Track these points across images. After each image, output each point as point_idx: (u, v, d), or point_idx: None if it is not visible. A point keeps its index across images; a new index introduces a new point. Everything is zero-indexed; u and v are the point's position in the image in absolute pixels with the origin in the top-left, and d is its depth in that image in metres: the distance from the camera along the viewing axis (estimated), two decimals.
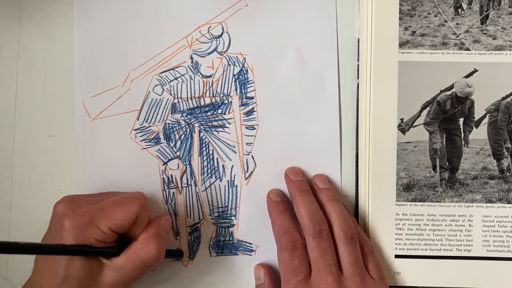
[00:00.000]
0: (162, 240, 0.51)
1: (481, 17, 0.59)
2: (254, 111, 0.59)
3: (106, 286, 0.48)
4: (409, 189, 0.58)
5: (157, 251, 0.49)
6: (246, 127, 0.59)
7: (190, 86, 0.59)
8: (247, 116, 0.59)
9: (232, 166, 0.59)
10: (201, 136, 0.59)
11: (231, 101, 0.59)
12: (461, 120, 0.59)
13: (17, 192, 0.59)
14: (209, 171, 0.59)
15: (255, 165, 0.59)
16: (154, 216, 0.53)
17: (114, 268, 0.48)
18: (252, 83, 0.59)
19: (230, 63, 0.60)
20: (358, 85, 0.59)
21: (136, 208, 0.49)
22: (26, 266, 0.54)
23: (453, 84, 0.58)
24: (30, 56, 0.60)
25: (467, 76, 0.58)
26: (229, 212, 0.59)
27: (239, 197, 0.59)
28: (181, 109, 0.59)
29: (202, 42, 0.60)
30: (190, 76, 0.59)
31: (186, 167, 0.59)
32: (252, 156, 0.59)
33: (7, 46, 0.60)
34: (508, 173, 0.58)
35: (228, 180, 0.59)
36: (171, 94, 0.59)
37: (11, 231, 0.58)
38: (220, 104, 0.59)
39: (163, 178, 0.59)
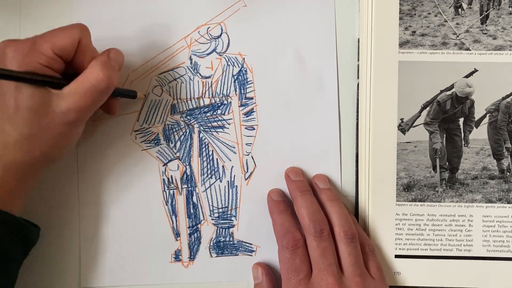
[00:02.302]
0: (112, 68, 0.50)
1: (481, 17, 0.59)
2: (253, 112, 0.59)
3: (60, 114, 0.48)
4: (409, 189, 0.58)
5: (105, 75, 0.49)
6: (245, 128, 0.59)
7: (190, 87, 0.59)
8: (247, 116, 0.59)
9: (232, 166, 0.59)
10: (200, 136, 0.59)
11: (230, 102, 0.59)
12: (461, 120, 0.59)
13: None
14: (209, 171, 0.59)
15: (255, 165, 0.59)
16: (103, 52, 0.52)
17: (64, 96, 0.48)
18: (251, 83, 0.59)
19: (229, 63, 0.60)
20: (358, 85, 0.59)
21: (77, 31, 0.49)
22: None
23: (453, 84, 0.58)
24: None
25: (467, 76, 0.58)
26: (229, 213, 0.59)
27: (239, 197, 0.59)
28: (181, 110, 0.59)
29: (201, 43, 0.59)
30: (190, 77, 0.59)
31: (186, 168, 0.59)
32: (252, 157, 0.59)
33: None
34: (508, 173, 0.58)
35: (228, 181, 0.59)
36: (170, 95, 0.59)
37: None
38: (219, 104, 0.59)
39: (163, 179, 0.59)
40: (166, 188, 0.59)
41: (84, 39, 0.50)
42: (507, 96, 0.58)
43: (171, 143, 0.59)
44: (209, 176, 0.59)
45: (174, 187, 0.59)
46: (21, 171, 0.49)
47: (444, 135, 0.59)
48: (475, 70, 0.58)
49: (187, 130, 0.59)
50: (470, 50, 0.58)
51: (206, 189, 0.59)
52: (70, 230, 0.58)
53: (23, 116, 0.47)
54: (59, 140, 0.50)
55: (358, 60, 0.59)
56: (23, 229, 0.51)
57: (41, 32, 0.59)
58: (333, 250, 0.52)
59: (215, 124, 0.59)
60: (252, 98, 0.59)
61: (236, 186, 0.59)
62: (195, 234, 0.59)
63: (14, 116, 0.47)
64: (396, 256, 0.58)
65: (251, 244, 0.59)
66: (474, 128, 0.59)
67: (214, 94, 0.59)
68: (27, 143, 0.48)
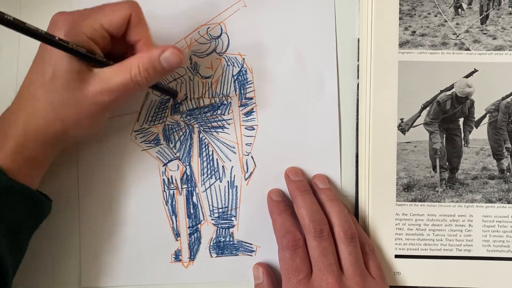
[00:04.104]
0: (155, 70, 0.49)
1: (481, 17, 0.59)
2: (253, 112, 0.59)
3: (92, 93, 0.48)
4: (409, 189, 0.58)
5: (143, 72, 0.48)
6: (245, 128, 0.59)
7: (189, 87, 0.59)
8: (247, 116, 0.59)
9: (232, 166, 0.59)
10: (200, 137, 0.59)
11: (230, 102, 0.59)
12: (461, 120, 0.59)
13: None
14: (209, 172, 0.59)
15: (255, 165, 0.59)
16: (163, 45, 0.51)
17: (102, 77, 0.48)
18: (251, 83, 0.59)
19: (229, 63, 0.60)
20: (358, 85, 0.59)
21: (127, 7, 0.49)
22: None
23: (453, 84, 0.58)
24: (30, 56, 0.60)
25: (467, 76, 0.58)
26: (229, 213, 0.59)
27: (239, 197, 0.59)
28: (181, 110, 0.59)
29: (201, 43, 0.59)
30: (189, 77, 0.59)
31: (186, 168, 0.59)
32: (252, 157, 0.59)
33: (7, 46, 0.60)
34: (508, 173, 0.58)
35: (228, 181, 0.59)
36: None
37: None
38: (219, 104, 0.59)
39: (163, 179, 0.59)
40: (166, 188, 0.59)
41: (134, 16, 0.49)
42: (507, 96, 0.58)
43: (171, 143, 0.59)
44: (209, 176, 0.59)
45: (174, 187, 0.59)
46: (40, 141, 0.49)
47: (444, 135, 0.59)
48: (475, 70, 0.58)
49: (187, 130, 0.59)
50: (470, 50, 0.58)
51: (206, 189, 0.59)
52: (70, 230, 0.58)
53: (57, 85, 0.47)
54: (84, 119, 0.49)
55: (358, 60, 0.59)
56: (37, 202, 0.51)
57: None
58: (333, 250, 0.52)
59: (215, 124, 0.59)
60: (252, 98, 0.59)
61: (236, 186, 0.59)
62: (195, 234, 0.59)
63: (48, 84, 0.47)
64: (396, 256, 0.58)
65: (251, 244, 0.59)
66: (474, 128, 0.59)
67: (214, 94, 0.59)
68: (53, 113, 0.48)
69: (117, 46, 0.51)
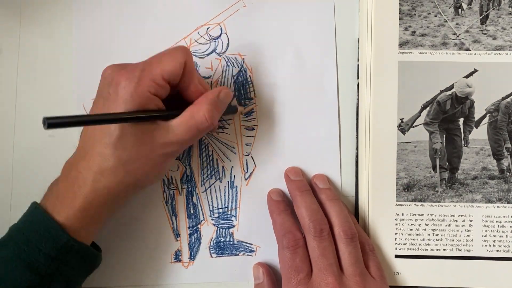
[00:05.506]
0: (217, 109, 0.51)
1: (481, 17, 0.59)
2: (253, 112, 0.59)
3: (160, 145, 0.49)
4: (409, 189, 0.58)
5: (210, 117, 0.49)
6: (245, 128, 0.59)
7: None
8: (247, 116, 0.59)
9: (232, 167, 0.59)
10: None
11: (230, 102, 0.59)
12: (461, 120, 0.59)
13: (17, 192, 0.59)
14: (208, 172, 0.59)
15: (255, 165, 0.59)
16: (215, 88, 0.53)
17: (168, 129, 0.49)
18: (251, 83, 0.59)
19: (229, 64, 0.60)
20: (358, 85, 0.59)
21: (182, 54, 0.49)
22: None
23: (453, 84, 0.58)
24: (30, 56, 0.60)
25: (467, 76, 0.58)
26: (229, 213, 0.59)
27: (239, 197, 0.59)
28: None
29: (200, 44, 0.59)
30: None
31: (186, 168, 0.59)
32: (251, 157, 0.59)
33: (7, 46, 0.60)
34: (508, 173, 0.58)
35: (228, 181, 0.59)
36: None
37: None
38: None
39: (163, 179, 0.59)
40: (166, 188, 0.59)
41: (188, 62, 0.50)
42: (507, 96, 0.58)
43: None
44: (209, 176, 0.59)
45: (174, 188, 0.59)
46: (110, 198, 0.49)
47: (444, 135, 0.59)
48: (475, 70, 0.58)
49: None
50: (470, 50, 0.58)
51: (206, 190, 0.59)
52: None
53: (125, 143, 0.47)
54: (153, 169, 0.50)
55: (358, 60, 0.59)
56: (93, 258, 0.51)
57: (41, 31, 0.60)
58: (333, 249, 0.52)
59: None
60: (251, 99, 0.59)
61: (236, 186, 0.59)
62: (195, 235, 0.59)
63: (117, 143, 0.47)
64: (396, 256, 0.58)
65: (251, 244, 0.59)
66: (474, 128, 0.59)
67: None
68: (123, 169, 0.48)
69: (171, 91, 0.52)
